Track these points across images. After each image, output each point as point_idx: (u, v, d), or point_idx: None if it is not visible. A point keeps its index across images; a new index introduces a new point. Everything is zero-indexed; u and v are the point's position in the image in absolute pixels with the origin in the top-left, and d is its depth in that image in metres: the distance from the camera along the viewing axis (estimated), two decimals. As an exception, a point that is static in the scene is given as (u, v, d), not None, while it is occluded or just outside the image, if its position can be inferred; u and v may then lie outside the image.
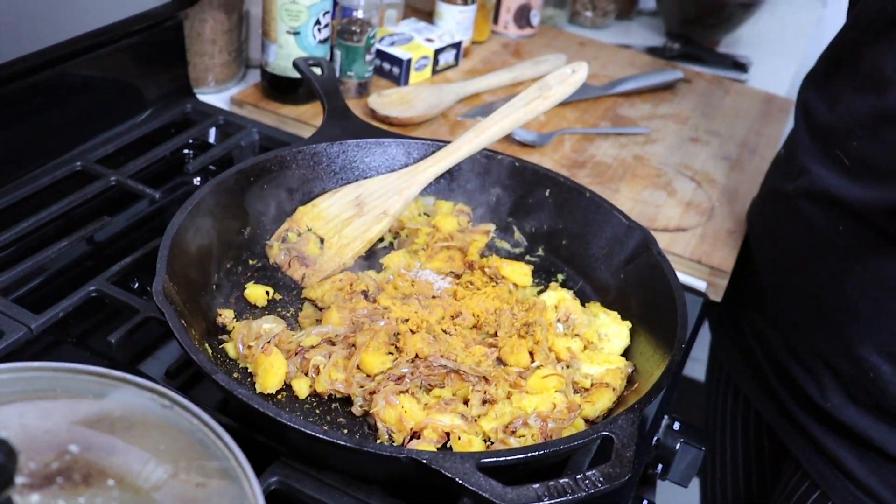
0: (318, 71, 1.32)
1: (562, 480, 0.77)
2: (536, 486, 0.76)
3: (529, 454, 0.80)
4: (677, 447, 1.10)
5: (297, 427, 0.78)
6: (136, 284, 1.16)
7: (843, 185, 1.13)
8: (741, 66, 2.00)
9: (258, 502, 0.59)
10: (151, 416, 0.64)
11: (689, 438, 1.10)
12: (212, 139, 1.44)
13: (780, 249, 1.29)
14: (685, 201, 1.44)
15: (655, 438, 1.10)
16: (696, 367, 1.80)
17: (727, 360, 1.46)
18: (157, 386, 0.64)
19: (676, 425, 1.12)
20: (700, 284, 1.31)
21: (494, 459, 0.78)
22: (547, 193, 1.20)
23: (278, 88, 1.53)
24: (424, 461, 0.77)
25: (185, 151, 1.42)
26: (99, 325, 1.11)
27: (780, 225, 1.27)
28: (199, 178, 1.38)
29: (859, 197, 1.10)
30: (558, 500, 0.76)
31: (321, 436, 0.77)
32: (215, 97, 1.57)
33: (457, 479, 0.76)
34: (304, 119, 1.50)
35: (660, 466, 1.13)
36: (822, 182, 1.17)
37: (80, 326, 1.08)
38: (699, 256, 1.32)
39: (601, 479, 0.78)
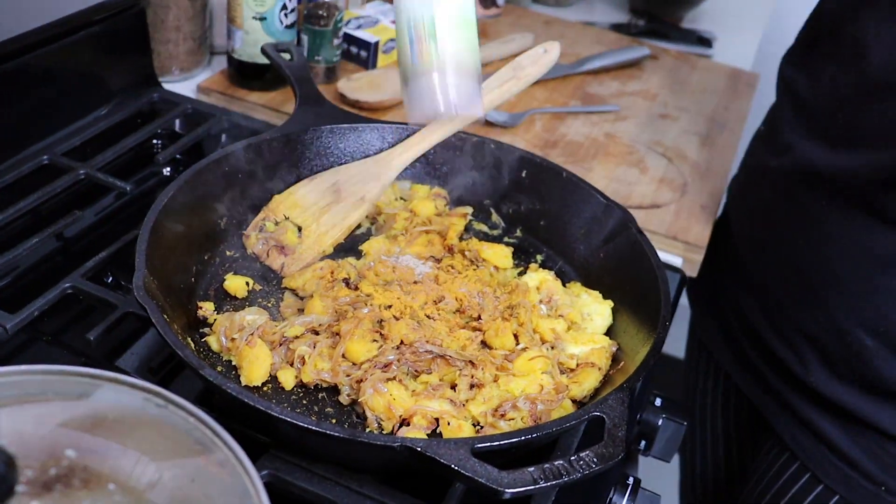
0: (287, 56, 1.30)
1: (556, 462, 0.77)
2: (532, 469, 0.76)
3: (524, 437, 0.80)
4: (659, 423, 1.11)
5: (289, 420, 0.77)
6: (111, 279, 1.14)
7: (829, 157, 1.13)
8: (706, 42, 2.00)
9: (260, 497, 0.58)
10: (146, 416, 0.62)
11: (671, 414, 1.11)
12: (180, 128, 1.42)
13: (764, 225, 1.30)
14: (658, 178, 1.44)
15: (639, 415, 1.10)
16: (671, 341, 1.81)
17: (706, 334, 1.47)
18: (150, 385, 0.63)
19: (658, 401, 1.13)
20: (676, 260, 1.32)
21: (489, 444, 0.78)
22: (523, 174, 1.20)
23: (246, 75, 1.51)
24: (419, 449, 0.76)
25: (154, 142, 1.39)
26: (72, 323, 1.09)
27: (764, 201, 1.28)
28: (168, 169, 1.36)
29: (845, 168, 1.11)
30: (554, 482, 0.76)
31: (314, 428, 0.77)
32: (181, 85, 1.55)
33: (452, 466, 0.75)
34: (274, 105, 1.49)
35: (643, 443, 1.14)
36: (808, 157, 1.17)
37: (53, 324, 1.06)
38: (675, 233, 1.33)
39: (595, 459, 0.79)
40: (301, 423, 0.77)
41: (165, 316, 0.87)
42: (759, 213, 1.31)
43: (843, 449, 1.20)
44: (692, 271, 1.33)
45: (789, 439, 1.27)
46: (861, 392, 1.17)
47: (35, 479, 0.54)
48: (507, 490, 0.74)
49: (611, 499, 1.00)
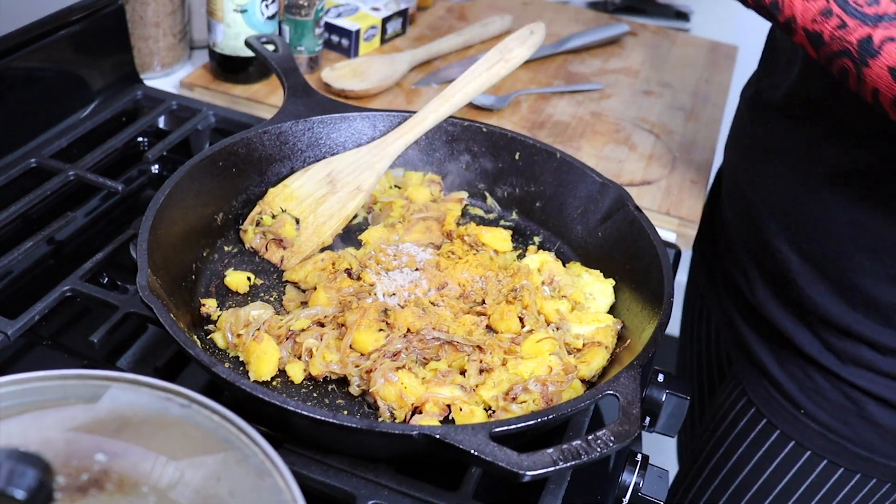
0: (271, 48, 1.29)
1: (574, 443, 0.77)
2: (550, 450, 0.76)
3: (541, 419, 0.80)
4: (663, 398, 1.12)
5: (307, 414, 0.76)
6: (106, 279, 1.13)
7: (772, 81, 1.20)
8: (683, 16, 2.01)
9: (294, 494, 0.58)
10: (170, 417, 0.62)
11: (673, 389, 1.12)
12: (165, 125, 1.41)
13: (727, 156, 1.37)
14: (646, 154, 1.45)
15: (643, 392, 1.11)
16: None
17: (693, 274, 1.51)
18: (173, 385, 0.63)
19: (660, 377, 1.13)
20: (670, 236, 1.33)
21: (507, 428, 0.78)
22: (516, 157, 1.20)
23: (228, 69, 1.50)
24: (438, 436, 0.76)
25: (140, 140, 1.38)
26: (70, 325, 1.09)
27: (732, 132, 1.35)
28: (157, 167, 1.35)
29: (785, 89, 1.17)
30: (573, 462, 0.76)
31: (333, 420, 0.76)
32: (163, 82, 1.54)
33: (472, 452, 0.75)
34: (258, 98, 1.48)
35: (647, 419, 1.14)
36: (761, 84, 1.24)
37: (50, 328, 1.05)
38: (667, 208, 1.33)
39: (612, 438, 0.79)
40: (320, 417, 0.76)
41: (171, 315, 0.87)
42: (729, 143, 1.38)
43: (772, 373, 1.25)
44: (686, 246, 1.34)
45: (740, 372, 1.32)
46: (790, 314, 1.22)
47: (68, 485, 0.53)
48: (527, 472, 0.74)
49: (620, 476, 1.00)
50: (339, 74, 1.51)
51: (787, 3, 0.92)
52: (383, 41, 1.67)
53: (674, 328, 1.77)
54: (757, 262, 1.26)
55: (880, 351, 1.15)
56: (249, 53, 1.44)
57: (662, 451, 1.69)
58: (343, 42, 1.61)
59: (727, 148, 1.37)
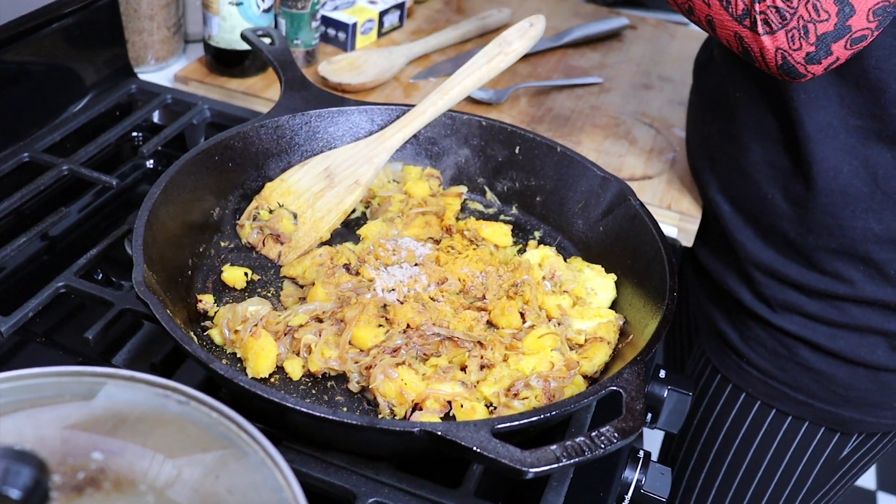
0: (267, 41, 1.28)
1: (578, 439, 0.76)
2: (554, 447, 0.75)
3: (544, 416, 0.79)
4: (665, 394, 1.11)
5: (306, 411, 0.75)
6: (101, 276, 1.12)
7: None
8: (682, 10, 1.99)
9: (293, 489, 0.56)
10: (167, 414, 0.61)
11: (676, 385, 1.11)
12: (160, 119, 1.39)
13: (689, 119, 1.42)
14: (647, 149, 1.43)
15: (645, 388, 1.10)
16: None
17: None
18: (170, 382, 0.61)
19: (662, 373, 1.12)
20: (671, 230, 1.31)
21: (509, 424, 0.77)
22: (516, 151, 1.18)
23: (224, 62, 1.48)
24: (439, 433, 0.75)
25: (135, 134, 1.37)
26: (63, 322, 1.07)
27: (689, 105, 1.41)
28: (152, 161, 1.33)
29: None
30: (577, 459, 0.75)
31: (333, 417, 0.75)
32: (157, 75, 1.52)
33: (474, 448, 0.74)
34: (254, 92, 1.46)
35: (649, 415, 1.13)
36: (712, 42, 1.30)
37: (44, 324, 1.04)
38: (668, 203, 1.32)
39: (616, 434, 0.78)
40: (320, 414, 0.75)
41: (168, 311, 0.85)
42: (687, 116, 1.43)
43: (720, 326, 1.29)
44: (687, 241, 1.32)
45: (705, 341, 1.35)
46: (725, 264, 1.26)
47: (64, 484, 0.52)
48: (531, 469, 0.73)
49: (622, 473, 0.99)
50: (335, 68, 1.49)
51: None
52: (380, 35, 1.66)
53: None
54: (703, 219, 1.32)
55: (807, 294, 1.17)
56: (245, 47, 1.43)
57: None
58: (340, 35, 1.59)
59: (686, 121, 1.43)
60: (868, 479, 2.65)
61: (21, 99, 1.28)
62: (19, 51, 1.26)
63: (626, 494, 0.99)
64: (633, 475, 0.99)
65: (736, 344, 1.27)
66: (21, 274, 1.13)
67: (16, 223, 1.16)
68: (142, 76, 1.48)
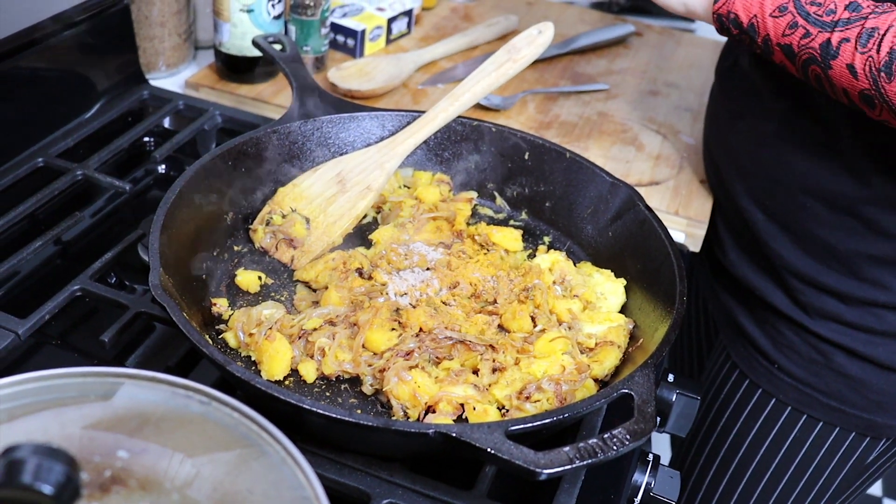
0: (278, 48, 1.29)
1: (591, 441, 0.77)
2: (567, 448, 0.76)
3: (556, 418, 0.80)
4: (673, 398, 1.11)
5: (323, 412, 0.76)
6: (114, 279, 1.12)
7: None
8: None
9: (315, 488, 0.57)
10: (189, 414, 0.62)
11: (684, 389, 1.11)
12: (171, 125, 1.41)
13: (704, 132, 1.41)
14: (654, 155, 1.44)
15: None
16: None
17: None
18: (192, 383, 0.62)
19: (670, 377, 1.13)
20: (679, 236, 1.32)
21: (523, 426, 0.78)
22: (526, 156, 1.19)
23: (234, 69, 1.49)
24: (454, 434, 0.76)
25: (147, 139, 1.38)
26: (77, 325, 1.08)
27: (708, 108, 1.40)
28: (164, 166, 1.34)
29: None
30: (590, 460, 0.76)
31: (349, 419, 0.76)
32: (168, 81, 1.53)
33: (488, 450, 0.75)
34: (264, 98, 1.47)
35: (657, 419, 1.14)
36: (736, 53, 1.30)
37: (58, 327, 1.05)
38: (675, 208, 1.33)
39: (628, 436, 0.78)
40: (336, 415, 0.76)
41: (184, 314, 0.86)
42: (706, 119, 1.41)
43: (749, 331, 1.29)
44: (695, 246, 1.33)
45: (721, 330, 1.36)
46: (759, 271, 1.26)
47: (91, 482, 0.53)
48: (544, 471, 0.74)
49: (632, 476, 1.00)
50: (345, 74, 1.50)
51: (760, 23, 1.04)
52: (389, 41, 1.67)
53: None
54: (728, 224, 1.31)
55: (845, 301, 1.18)
56: (255, 53, 1.44)
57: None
58: (349, 42, 1.61)
59: (704, 123, 1.41)
60: (874, 486, 2.65)
61: (35, 105, 1.29)
62: (33, 57, 1.27)
63: (636, 498, 1.00)
64: (642, 478, 1.00)
65: (767, 349, 1.27)
66: (35, 278, 1.14)
67: (30, 227, 1.17)
68: (153, 82, 1.49)
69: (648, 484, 1.00)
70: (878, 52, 0.94)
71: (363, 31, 1.59)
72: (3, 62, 1.22)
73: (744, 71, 1.25)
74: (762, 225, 1.22)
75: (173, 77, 1.55)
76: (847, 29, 0.97)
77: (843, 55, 0.97)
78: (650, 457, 1.04)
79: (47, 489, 0.45)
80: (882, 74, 0.94)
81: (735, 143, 1.27)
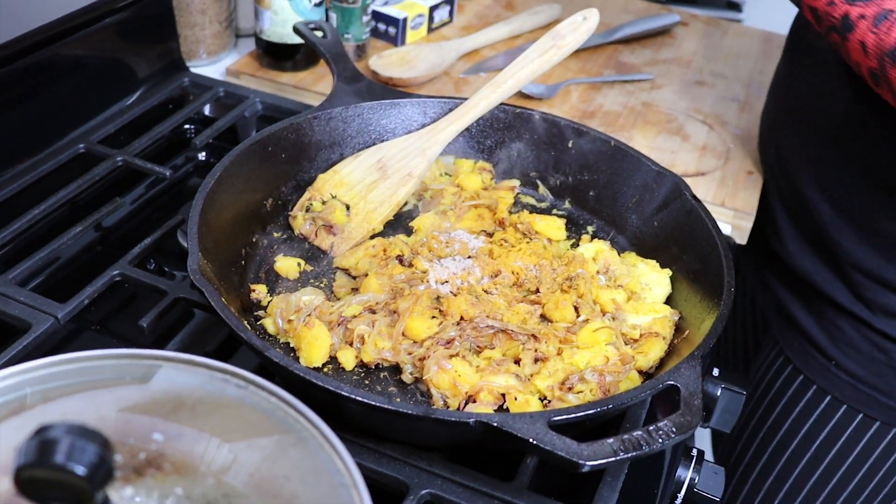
0: (319, 34, 1.28)
1: (635, 433, 0.75)
2: (611, 440, 0.74)
3: (600, 409, 0.78)
4: (718, 393, 1.09)
5: (362, 400, 0.75)
6: (153, 265, 1.12)
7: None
8: (735, 6, 1.97)
9: (353, 475, 0.56)
10: (226, 398, 0.61)
11: (729, 383, 1.09)
12: (211, 112, 1.40)
13: (764, 113, 1.38)
14: (700, 145, 1.41)
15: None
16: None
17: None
18: (229, 366, 0.61)
19: (716, 371, 1.10)
20: (725, 228, 1.29)
21: (566, 417, 0.76)
22: (569, 145, 1.17)
23: (275, 56, 1.48)
24: (495, 424, 0.74)
25: (187, 127, 1.37)
26: (117, 310, 1.08)
27: (772, 88, 1.36)
28: (204, 153, 1.34)
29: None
30: (634, 453, 0.74)
31: (389, 407, 0.75)
32: (208, 69, 1.53)
33: (530, 440, 0.73)
34: (305, 86, 1.46)
35: (701, 413, 1.12)
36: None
37: (98, 313, 1.05)
38: (722, 199, 1.30)
39: (674, 429, 0.76)
40: (375, 403, 0.75)
41: (223, 299, 0.85)
42: (768, 99, 1.37)
43: (805, 326, 1.26)
44: (741, 238, 1.30)
45: (778, 334, 1.32)
46: (822, 264, 1.23)
47: (126, 464, 0.52)
48: (587, 463, 0.72)
49: (675, 471, 0.98)
50: (386, 62, 1.49)
51: None
52: (430, 30, 1.66)
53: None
54: (789, 213, 1.27)
55: None
56: (296, 40, 1.43)
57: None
58: (390, 30, 1.59)
59: (765, 106, 1.38)
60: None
61: (77, 91, 1.29)
62: (75, 45, 1.27)
63: (679, 493, 0.98)
64: (685, 474, 0.98)
65: (824, 345, 1.24)
66: (76, 264, 1.14)
67: (71, 213, 1.17)
68: (194, 70, 1.48)
69: (692, 480, 0.98)
70: (887, 34, 0.93)
71: (405, 19, 1.58)
72: (45, 49, 1.22)
73: (817, 57, 1.21)
74: (828, 217, 1.19)
75: (214, 65, 1.54)
76: (866, 6, 0.95)
77: (858, 31, 0.96)
78: (694, 452, 1.01)
79: (80, 470, 0.44)
80: (887, 58, 0.93)
81: (801, 131, 1.24)
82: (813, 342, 1.25)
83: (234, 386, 0.61)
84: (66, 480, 0.44)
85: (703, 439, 1.82)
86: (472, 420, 0.75)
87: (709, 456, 1.60)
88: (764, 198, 1.34)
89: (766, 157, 1.34)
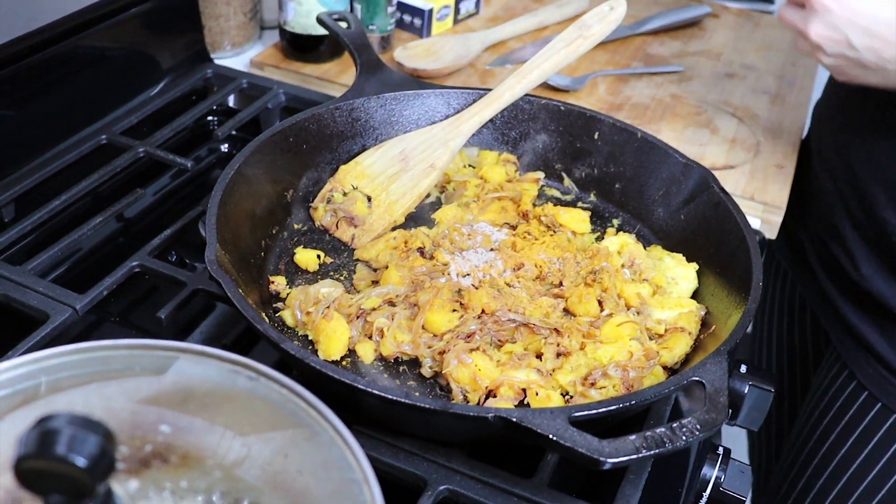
0: (343, 25, 1.27)
1: (658, 430, 0.73)
2: (633, 437, 0.72)
3: (622, 405, 0.76)
4: (746, 390, 1.07)
5: (379, 394, 0.73)
6: (174, 257, 1.11)
7: None
8: (766, -2, 1.94)
9: (365, 470, 0.54)
10: (236, 390, 0.59)
11: (757, 381, 1.06)
12: (235, 104, 1.39)
13: (821, 130, 1.31)
14: (729, 138, 1.39)
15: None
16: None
17: (776, 245, 1.46)
18: (240, 357, 0.60)
19: (743, 368, 1.08)
20: (754, 222, 1.27)
21: (587, 413, 0.74)
22: (595, 136, 1.15)
23: (299, 47, 1.47)
24: (514, 419, 0.72)
25: (210, 118, 1.37)
26: (138, 302, 1.07)
27: (829, 103, 1.30)
28: (227, 145, 1.33)
29: None
30: (657, 450, 0.72)
31: (405, 401, 0.73)
32: (233, 61, 1.52)
33: (550, 436, 0.71)
34: (329, 77, 1.45)
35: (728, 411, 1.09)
36: None
37: (119, 304, 1.04)
38: (751, 193, 1.27)
39: (698, 426, 0.74)
40: (392, 397, 0.73)
41: (240, 291, 0.84)
42: (830, 118, 1.31)
43: (879, 350, 1.21)
44: (771, 233, 1.28)
45: (839, 345, 1.27)
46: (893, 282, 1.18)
47: (131, 456, 0.51)
48: (608, 460, 0.70)
49: (700, 469, 0.96)
50: (411, 54, 1.47)
51: None
52: (456, 21, 1.64)
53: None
54: (862, 235, 1.22)
55: None
56: (321, 32, 1.42)
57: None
58: (416, 22, 1.58)
59: (820, 121, 1.32)
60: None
61: (100, 82, 1.29)
62: (99, 35, 1.27)
63: (704, 492, 0.96)
64: (711, 472, 0.96)
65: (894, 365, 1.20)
66: (98, 255, 1.13)
67: (93, 205, 1.17)
68: (218, 62, 1.48)
69: (718, 478, 0.96)
70: None
71: (430, 11, 1.56)
72: (68, 40, 1.22)
73: None
74: None
75: (238, 56, 1.53)
76: None
77: None
78: (720, 450, 0.99)
79: (81, 461, 0.43)
80: None
81: (882, 153, 1.17)
82: (885, 364, 1.21)
83: (246, 378, 0.59)
84: (66, 472, 0.43)
85: (735, 440, 1.79)
86: (490, 415, 0.73)
87: (743, 457, 1.58)
88: (822, 211, 1.30)
89: (832, 175, 1.28)
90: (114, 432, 0.45)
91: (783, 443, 1.49)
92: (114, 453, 0.44)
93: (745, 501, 0.96)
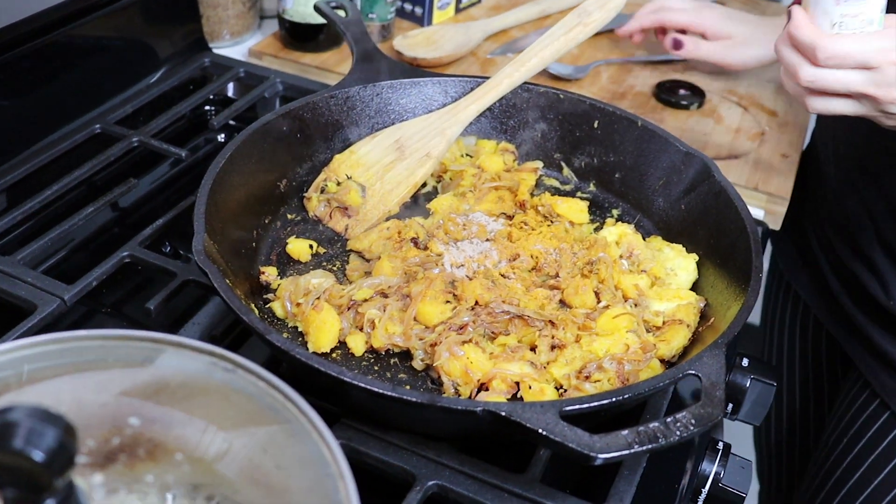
0: (341, 13, 1.25)
1: (651, 425, 0.71)
2: (625, 432, 0.70)
3: (615, 399, 0.74)
4: (747, 384, 1.04)
5: (364, 386, 0.72)
6: (168, 248, 1.10)
7: None
8: (774, -14, 1.91)
9: (340, 465, 0.53)
10: (213, 382, 0.58)
11: (759, 374, 1.04)
12: (233, 93, 1.38)
13: (848, 148, 1.26)
14: (734, 127, 1.37)
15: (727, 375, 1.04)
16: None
17: (787, 267, 1.43)
18: (216, 349, 0.58)
19: (745, 361, 1.06)
20: (757, 213, 1.24)
21: (578, 407, 0.72)
22: (595, 125, 1.13)
23: (298, 36, 1.46)
24: (503, 413, 0.71)
25: (207, 108, 1.35)
26: (131, 293, 1.06)
27: (854, 124, 1.22)
28: (223, 135, 1.32)
29: None
30: (650, 446, 0.70)
31: (391, 393, 0.71)
32: (231, 50, 1.50)
33: (540, 431, 0.70)
34: (328, 67, 1.43)
35: (729, 405, 1.07)
36: None
37: (111, 295, 1.03)
38: (755, 183, 1.25)
39: (693, 420, 0.72)
40: (377, 389, 0.71)
41: (228, 281, 0.83)
42: (846, 134, 1.27)
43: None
44: (775, 224, 1.25)
45: (869, 373, 1.24)
46: None
47: (97, 450, 0.49)
48: (599, 455, 0.68)
49: (699, 464, 0.94)
50: (411, 42, 1.46)
51: None
52: (458, 10, 1.62)
53: (754, 316, 1.70)
54: (891, 257, 1.19)
55: None
56: (319, 20, 1.40)
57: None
58: (416, 10, 1.56)
59: (847, 145, 1.27)
60: None
61: (96, 71, 1.28)
62: (96, 24, 1.26)
63: (703, 488, 0.94)
64: (711, 467, 0.94)
65: None
66: (91, 245, 1.12)
67: (87, 195, 1.15)
68: (217, 51, 1.46)
69: (717, 474, 0.94)
70: None
71: (431, -1, 1.55)
72: (65, 27, 1.20)
73: None
74: None
75: (237, 46, 1.52)
76: None
77: None
78: (720, 444, 0.97)
79: (38, 455, 0.41)
80: None
81: None
82: None
83: (223, 370, 0.58)
84: (23, 466, 0.42)
85: (735, 439, 1.75)
86: (479, 409, 0.71)
87: (744, 453, 1.56)
88: (849, 233, 1.26)
89: (861, 200, 1.24)
90: (75, 426, 0.44)
91: (798, 463, 1.48)
92: (74, 447, 0.43)
93: (745, 497, 0.95)
